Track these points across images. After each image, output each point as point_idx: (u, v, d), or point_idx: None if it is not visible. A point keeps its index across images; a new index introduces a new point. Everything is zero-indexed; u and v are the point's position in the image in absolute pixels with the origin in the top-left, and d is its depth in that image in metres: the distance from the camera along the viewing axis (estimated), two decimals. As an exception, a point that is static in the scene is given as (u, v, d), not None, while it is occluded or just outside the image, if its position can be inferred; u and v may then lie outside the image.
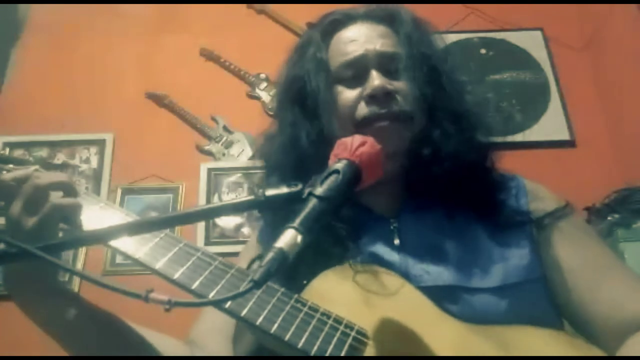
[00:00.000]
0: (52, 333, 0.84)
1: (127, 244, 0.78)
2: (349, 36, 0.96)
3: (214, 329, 0.92)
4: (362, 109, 0.91)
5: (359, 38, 0.95)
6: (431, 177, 0.88)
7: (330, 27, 0.99)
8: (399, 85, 0.92)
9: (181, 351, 0.90)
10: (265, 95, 2.53)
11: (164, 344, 0.88)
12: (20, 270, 0.79)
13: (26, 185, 0.77)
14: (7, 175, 0.80)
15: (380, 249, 0.86)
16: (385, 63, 0.93)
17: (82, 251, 2.17)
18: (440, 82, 0.93)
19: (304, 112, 0.95)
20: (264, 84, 2.55)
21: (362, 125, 0.89)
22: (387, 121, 0.89)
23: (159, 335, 0.89)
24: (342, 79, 0.94)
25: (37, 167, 0.88)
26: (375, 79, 0.90)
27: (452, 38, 2.50)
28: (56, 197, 0.78)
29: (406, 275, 0.81)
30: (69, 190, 0.80)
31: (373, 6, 1.01)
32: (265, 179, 0.98)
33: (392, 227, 0.89)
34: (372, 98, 0.90)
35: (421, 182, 0.90)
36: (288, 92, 1.00)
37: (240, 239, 2.21)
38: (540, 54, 2.56)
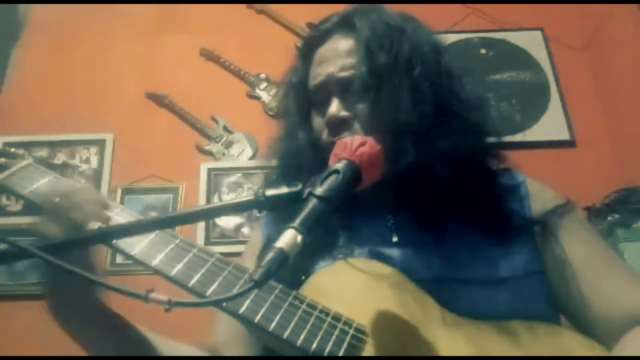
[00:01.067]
0: (77, 340, 0.85)
1: (123, 242, 0.78)
2: (320, 56, 0.96)
3: (236, 335, 0.92)
4: (325, 136, 0.92)
5: (326, 59, 0.94)
6: (428, 178, 0.87)
7: (311, 44, 0.99)
8: (358, 109, 0.89)
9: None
10: (265, 95, 2.52)
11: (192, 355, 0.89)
12: (63, 278, 0.79)
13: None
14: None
15: (378, 246, 0.86)
16: (344, 87, 0.91)
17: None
18: (417, 84, 0.88)
19: (303, 118, 0.97)
20: (264, 84, 2.55)
21: (326, 151, 0.84)
22: None
23: (186, 347, 0.90)
24: (314, 102, 0.96)
25: (30, 160, 0.88)
26: (331, 107, 0.90)
27: (452, 38, 2.50)
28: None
29: (405, 271, 0.81)
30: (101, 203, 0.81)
31: (347, 12, 0.97)
32: (274, 179, 0.99)
33: (389, 224, 0.89)
34: (329, 126, 0.91)
35: (418, 181, 0.89)
36: (288, 98, 1.02)
37: (240, 239, 2.21)
38: (540, 54, 2.56)
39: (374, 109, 0.88)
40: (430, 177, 0.86)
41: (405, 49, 0.90)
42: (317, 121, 0.94)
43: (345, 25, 0.95)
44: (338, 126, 0.89)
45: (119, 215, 0.84)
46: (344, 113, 0.90)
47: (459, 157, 0.87)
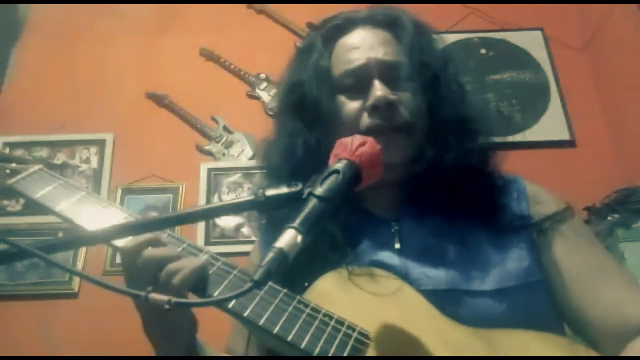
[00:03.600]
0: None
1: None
2: (351, 43, 0.95)
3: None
4: (365, 120, 0.90)
5: (361, 45, 0.94)
6: (433, 183, 0.88)
7: (332, 33, 0.98)
8: (402, 95, 0.91)
9: None
10: (265, 95, 2.53)
11: None
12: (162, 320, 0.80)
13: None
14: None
15: (381, 253, 0.86)
16: (388, 72, 0.92)
17: (82, 251, 2.18)
18: (442, 89, 0.93)
19: (304, 120, 0.94)
20: (264, 84, 2.55)
21: (366, 135, 0.87)
22: (390, 133, 0.89)
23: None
24: (344, 87, 0.93)
25: (40, 166, 0.89)
26: (378, 90, 0.89)
27: (452, 38, 2.51)
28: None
29: (406, 279, 0.81)
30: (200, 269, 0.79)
31: (375, 10, 0.99)
32: (266, 182, 0.97)
33: (392, 231, 0.89)
34: (375, 109, 0.89)
35: (423, 187, 0.89)
36: (288, 99, 0.99)
37: (240, 239, 2.21)
38: (540, 54, 2.57)
39: (417, 97, 0.91)
40: (438, 180, 0.87)
41: (438, 52, 0.97)
42: (351, 106, 0.92)
43: (374, 21, 0.97)
44: (385, 110, 0.89)
45: (106, 210, 0.84)
46: (392, 96, 0.90)
47: (466, 161, 0.89)
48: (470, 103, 0.96)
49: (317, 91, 0.94)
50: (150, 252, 0.77)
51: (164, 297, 0.58)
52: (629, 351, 0.79)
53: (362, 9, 1.01)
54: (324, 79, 0.94)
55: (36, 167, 0.88)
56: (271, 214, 0.92)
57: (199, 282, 0.76)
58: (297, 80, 0.98)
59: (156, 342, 0.83)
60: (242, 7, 2.74)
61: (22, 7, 2.74)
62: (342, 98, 0.93)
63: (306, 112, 0.94)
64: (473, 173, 0.90)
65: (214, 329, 0.91)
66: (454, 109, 0.92)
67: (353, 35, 0.96)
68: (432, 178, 0.88)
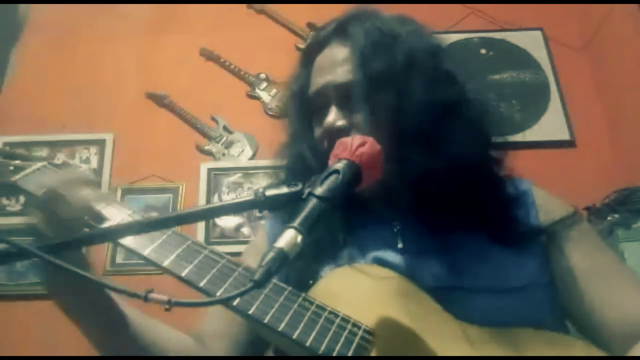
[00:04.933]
0: (84, 332, 0.87)
1: (134, 242, 0.78)
2: (318, 65, 0.95)
3: (221, 333, 0.93)
4: (325, 145, 0.90)
5: (324, 67, 0.93)
6: (435, 186, 0.86)
7: (310, 51, 0.98)
8: (355, 118, 0.88)
9: (189, 343, 0.92)
10: (265, 95, 2.53)
11: (173, 336, 0.91)
12: (60, 280, 0.81)
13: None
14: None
15: (384, 252, 0.86)
16: (342, 95, 0.89)
17: (82, 251, 2.17)
18: (414, 89, 0.86)
19: (305, 125, 0.96)
20: (264, 84, 2.55)
21: (327, 159, 0.83)
22: None
23: (168, 328, 0.91)
24: (314, 110, 0.94)
25: (44, 163, 0.89)
26: (329, 117, 0.89)
27: (452, 38, 2.51)
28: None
29: (410, 277, 0.81)
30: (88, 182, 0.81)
31: (343, 18, 0.96)
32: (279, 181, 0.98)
33: (395, 230, 0.89)
34: (328, 136, 0.89)
35: (425, 188, 0.88)
36: (291, 105, 1.01)
37: (241, 239, 2.21)
38: (540, 54, 2.57)
39: (372, 116, 0.87)
40: (436, 182, 0.85)
41: (400, 54, 0.89)
42: (317, 130, 0.93)
43: (341, 32, 0.94)
44: (336, 135, 0.86)
45: (112, 207, 0.84)
46: (340, 122, 0.88)
47: (463, 162, 0.86)
48: (467, 99, 0.91)
49: (295, 112, 0.97)
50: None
51: (164, 297, 0.58)
52: (636, 351, 0.79)
53: (339, 17, 0.98)
54: (300, 101, 0.97)
55: (40, 163, 0.88)
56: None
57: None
58: (294, 89, 1.00)
59: (65, 303, 0.84)
60: (242, 7, 2.74)
61: (22, 7, 2.74)
62: (314, 119, 0.94)
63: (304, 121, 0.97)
64: (474, 173, 0.89)
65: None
66: (419, 114, 0.85)
67: (322, 56, 0.95)
68: (432, 178, 0.87)
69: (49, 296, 0.83)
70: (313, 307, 0.74)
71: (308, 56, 0.98)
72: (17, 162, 0.87)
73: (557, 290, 0.86)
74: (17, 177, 0.86)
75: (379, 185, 0.73)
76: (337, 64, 0.91)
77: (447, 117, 0.87)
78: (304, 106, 0.96)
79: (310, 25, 2.57)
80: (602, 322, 0.84)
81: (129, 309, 0.87)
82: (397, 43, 0.90)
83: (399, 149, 0.83)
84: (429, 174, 0.84)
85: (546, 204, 0.93)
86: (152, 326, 0.88)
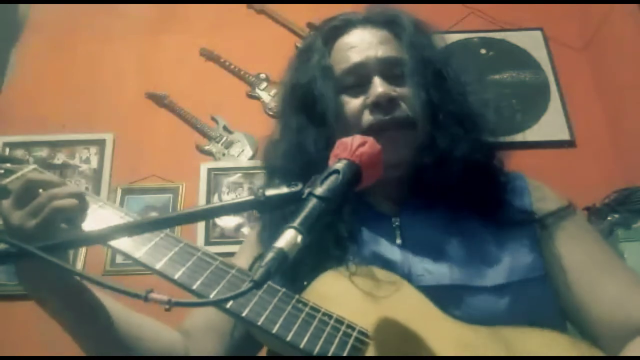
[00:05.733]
0: (60, 322, 0.85)
1: (127, 244, 0.78)
2: (349, 42, 0.96)
3: (209, 326, 0.93)
4: (367, 117, 0.91)
5: (359, 44, 0.95)
6: (437, 179, 0.88)
7: (331, 34, 0.99)
8: (403, 91, 0.92)
9: (176, 339, 0.91)
10: (265, 95, 2.53)
11: (161, 330, 0.90)
12: (30, 268, 0.79)
13: (18, 181, 0.78)
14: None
15: (382, 248, 0.86)
16: (388, 69, 0.92)
17: (82, 251, 2.18)
18: (444, 85, 0.93)
19: (310, 118, 0.95)
20: (264, 84, 2.55)
21: (368, 134, 0.86)
22: (391, 130, 0.89)
23: (157, 323, 0.91)
24: (345, 86, 0.94)
25: (35, 166, 0.88)
26: (378, 86, 0.90)
27: (452, 38, 2.50)
28: (57, 197, 0.77)
29: (408, 275, 0.82)
30: (75, 195, 0.79)
31: (373, 10, 1.00)
32: (269, 183, 0.97)
33: (394, 226, 0.89)
34: (376, 105, 0.90)
35: (424, 183, 0.89)
36: (292, 99, 0.99)
37: (240, 239, 2.21)
38: (540, 54, 2.57)
39: (417, 93, 0.91)
40: (444, 174, 0.87)
41: (437, 48, 0.97)
42: (353, 104, 0.92)
43: (372, 21, 0.98)
44: (386, 106, 0.89)
45: (103, 209, 0.83)
46: (393, 92, 0.90)
47: (471, 157, 0.89)
48: (473, 101, 0.96)
49: (322, 89, 0.94)
50: (34, 174, 0.81)
51: (163, 297, 0.58)
52: (630, 351, 0.79)
53: (360, 10, 1.01)
54: (327, 78, 0.95)
55: (31, 167, 0.87)
56: (269, 216, 0.93)
57: (77, 214, 0.77)
58: (299, 80, 0.98)
59: (41, 295, 0.82)
60: (242, 7, 2.74)
61: (22, 7, 2.74)
62: (344, 97, 0.94)
63: (312, 111, 0.94)
64: (477, 168, 0.91)
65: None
66: (457, 104, 0.92)
67: (351, 35, 0.97)
68: (437, 176, 0.88)
69: (28, 296, 0.82)
70: (307, 309, 0.74)
71: (329, 37, 0.99)
72: (8, 165, 0.87)
73: (552, 283, 0.86)
74: (7, 180, 0.86)
75: (379, 181, 0.73)
76: (379, 41, 0.95)
77: (467, 114, 0.93)
78: (329, 84, 0.94)
79: (310, 25, 2.57)
80: (594, 317, 0.84)
81: (111, 302, 0.86)
82: (431, 39, 0.99)
83: (431, 132, 0.90)
84: (443, 165, 0.88)
85: (540, 196, 0.93)
86: (137, 319, 0.88)
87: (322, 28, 1.02)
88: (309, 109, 0.95)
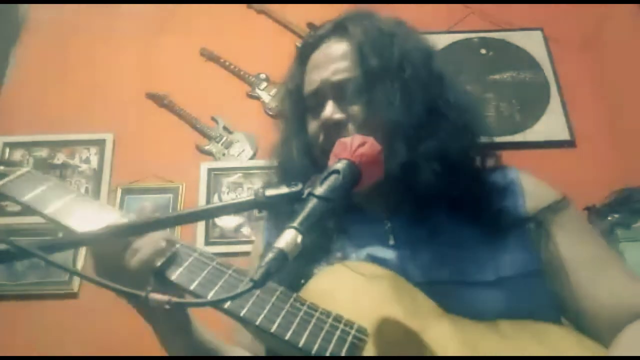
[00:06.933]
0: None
1: None
2: (314, 62, 0.97)
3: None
4: (321, 139, 0.92)
5: (321, 64, 0.95)
6: (416, 187, 0.87)
7: (306, 51, 1.00)
8: (352, 110, 0.91)
9: None
10: (265, 95, 2.53)
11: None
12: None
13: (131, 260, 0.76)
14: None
15: (376, 249, 0.87)
16: (340, 91, 0.92)
17: (82, 251, 2.17)
18: (408, 87, 0.90)
19: (299, 124, 0.98)
20: (264, 84, 2.55)
21: (323, 154, 0.87)
22: None
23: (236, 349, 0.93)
24: (309, 107, 0.96)
25: (29, 168, 0.89)
26: (325, 111, 0.91)
27: (452, 38, 2.51)
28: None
29: (402, 272, 0.82)
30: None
31: (342, 17, 1.00)
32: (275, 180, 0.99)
33: (386, 228, 0.90)
34: (325, 129, 0.91)
35: (415, 185, 0.89)
36: (285, 104, 1.03)
37: (240, 239, 2.21)
38: (540, 54, 2.57)
39: (367, 110, 0.90)
40: (422, 177, 0.86)
41: (396, 53, 0.92)
42: (313, 125, 0.95)
43: (338, 30, 0.97)
44: (333, 129, 0.90)
45: (101, 209, 0.85)
46: (338, 115, 0.91)
47: (447, 157, 0.88)
48: (455, 99, 0.93)
49: (289, 111, 1.00)
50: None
51: (164, 297, 0.58)
52: (628, 336, 0.79)
53: (336, 17, 1.01)
54: (294, 100, 0.99)
55: (24, 169, 0.87)
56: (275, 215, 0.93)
57: (164, 263, 0.76)
58: (288, 88, 1.02)
59: (161, 337, 0.84)
60: (242, 7, 2.74)
61: (22, 7, 2.74)
62: (308, 116, 0.97)
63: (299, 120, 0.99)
64: (458, 167, 0.90)
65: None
66: (414, 108, 0.89)
67: (319, 52, 0.98)
68: (417, 174, 0.87)
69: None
70: (305, 308, 0.74)
71: (303, 56, 1.00)
72: (1, 168, 0.87)
73: (547, 277, 0.87)
74: (0, 183, 0.86)
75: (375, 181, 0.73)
76: (333, 60, 0.94)
77: (436, 114, 0.90)
78: (299, 104, 0.98)
79: (310, 25, 2.57)
80: (588, 309, 0.84)
81: (211, 336, 0.89)
82: (393, 42, 0.94)
83: (390, 142, 0.85)
84: (417, 169, 0.86)
85: (534, 191, 0.93)
86: (231, 353, 0.91)
87: (304, 41, 1.05)
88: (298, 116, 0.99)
